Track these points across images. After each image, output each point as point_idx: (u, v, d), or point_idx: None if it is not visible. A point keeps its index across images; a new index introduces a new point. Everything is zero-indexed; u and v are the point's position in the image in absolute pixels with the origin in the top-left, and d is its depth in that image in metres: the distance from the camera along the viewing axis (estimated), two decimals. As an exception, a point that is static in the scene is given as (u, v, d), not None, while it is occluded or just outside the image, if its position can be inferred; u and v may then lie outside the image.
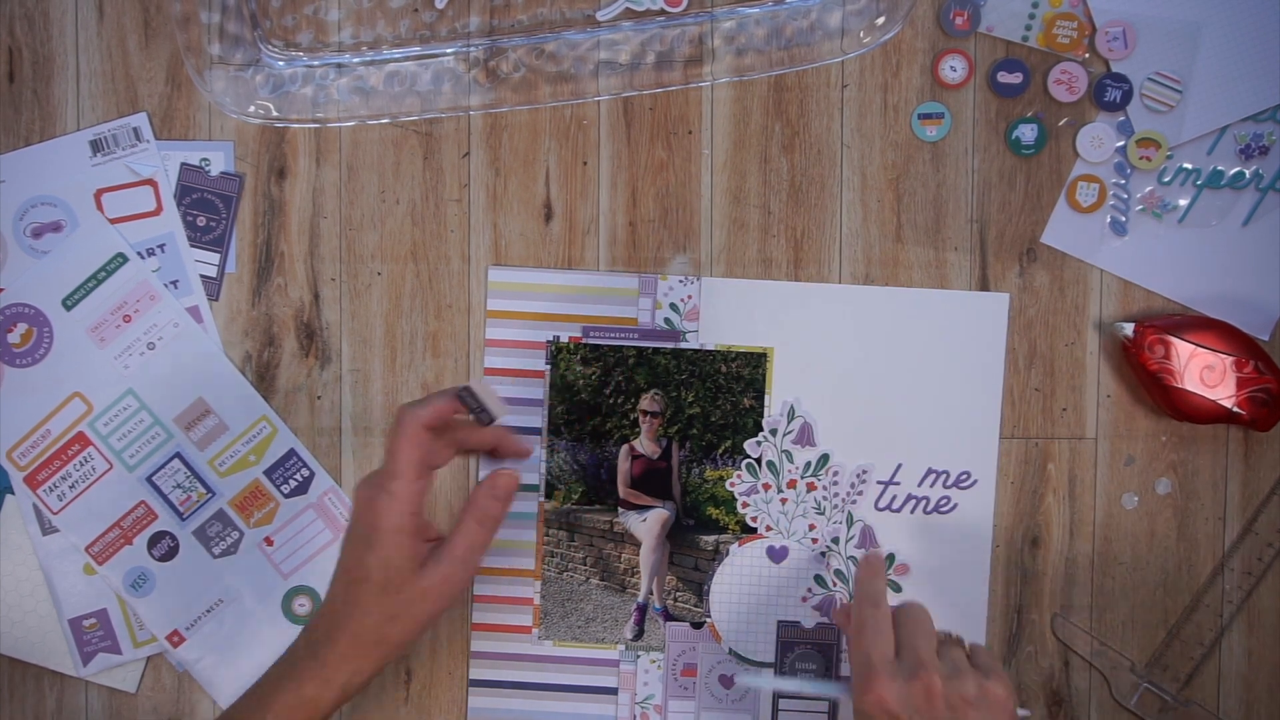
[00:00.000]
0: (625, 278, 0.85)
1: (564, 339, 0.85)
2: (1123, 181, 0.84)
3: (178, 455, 0.85)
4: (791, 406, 0.84)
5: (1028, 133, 0.84)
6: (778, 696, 0.85)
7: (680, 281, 0.84)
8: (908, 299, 0.84)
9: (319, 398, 0.85)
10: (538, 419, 0.85)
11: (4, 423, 0.84)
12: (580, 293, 0.85)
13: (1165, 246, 0.84)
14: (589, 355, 0.85)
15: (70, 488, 0.84)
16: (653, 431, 0.85)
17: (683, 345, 0.85)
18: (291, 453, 0.85)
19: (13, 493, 0.85)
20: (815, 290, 0.84)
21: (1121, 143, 0.84)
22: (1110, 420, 0.85)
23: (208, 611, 0.85)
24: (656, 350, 0.85)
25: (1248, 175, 0.84)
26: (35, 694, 0.86)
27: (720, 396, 0.84)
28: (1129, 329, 0.82)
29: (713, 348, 0.85)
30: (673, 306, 0.84)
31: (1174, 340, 0.81)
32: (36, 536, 0.85)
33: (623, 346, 0.85)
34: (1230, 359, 0.81)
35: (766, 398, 0.84)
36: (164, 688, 0.86)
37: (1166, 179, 0.84)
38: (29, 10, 0.84)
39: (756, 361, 0.84)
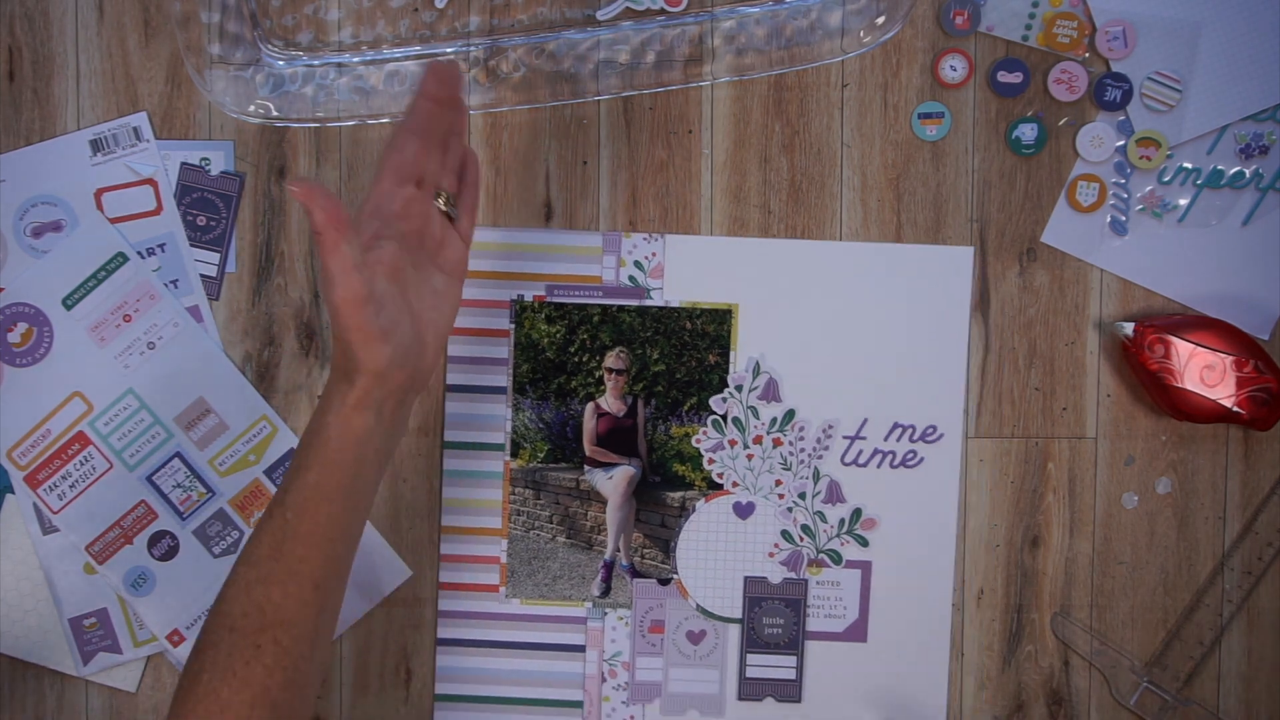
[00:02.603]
0: (589, 236, 0.84)
1: (528, 298, 0.84)
2: (1123, 181, 0.84)
3: (178, 455, 0.85)
4: (757, 362, 0.84)
5: (1028, 132, 0.84)
6: (746, 652, 0.85)
7: (644, 239, 0.84)
8: (871, 253, 0.84)
9: (319, 397, 0.85)
10: (502, 378, 0.85)
11: (4, 422, 0.84)
12: (544, 251, 0.84)
13: (1165, 246, 0.84)
14: (553, 314, 0.84)
15: (70, 487, 0.84)
16: (618, 389, 0.85)
17: (647, 302, 0.84)
18: (292, 452, 0.85)
19: (13, 492, 0.85)
20: (779, 246, 0.84)
21: (1121, 142, 0.84)
22: (1110, 420, 0.85)
23: (208, 611, 0.85)
24: (621, 308, 0.84)
25: (1248, 175, 0.84)
26: (35, 693, 0.86)
27: (685, 353, 0.84)
28: (1129, 328, 0.82)
29: (677, 304, 0.84)
30: (637, 264, 0.84)
31: (1174, 340, 0.81)
32: (36, 536, 0.85)
33: (587, 304, 0.84)
34: (1230, 358, 0.81)
35: (731, 354, 0.84)
36: (164, 687, 0.86)
37: (1166, 178, 0.84)
38: (29, 10, 0.84)
39: (721, 318, 0.84)
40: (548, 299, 0.84)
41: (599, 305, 0.84)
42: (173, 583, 0.85)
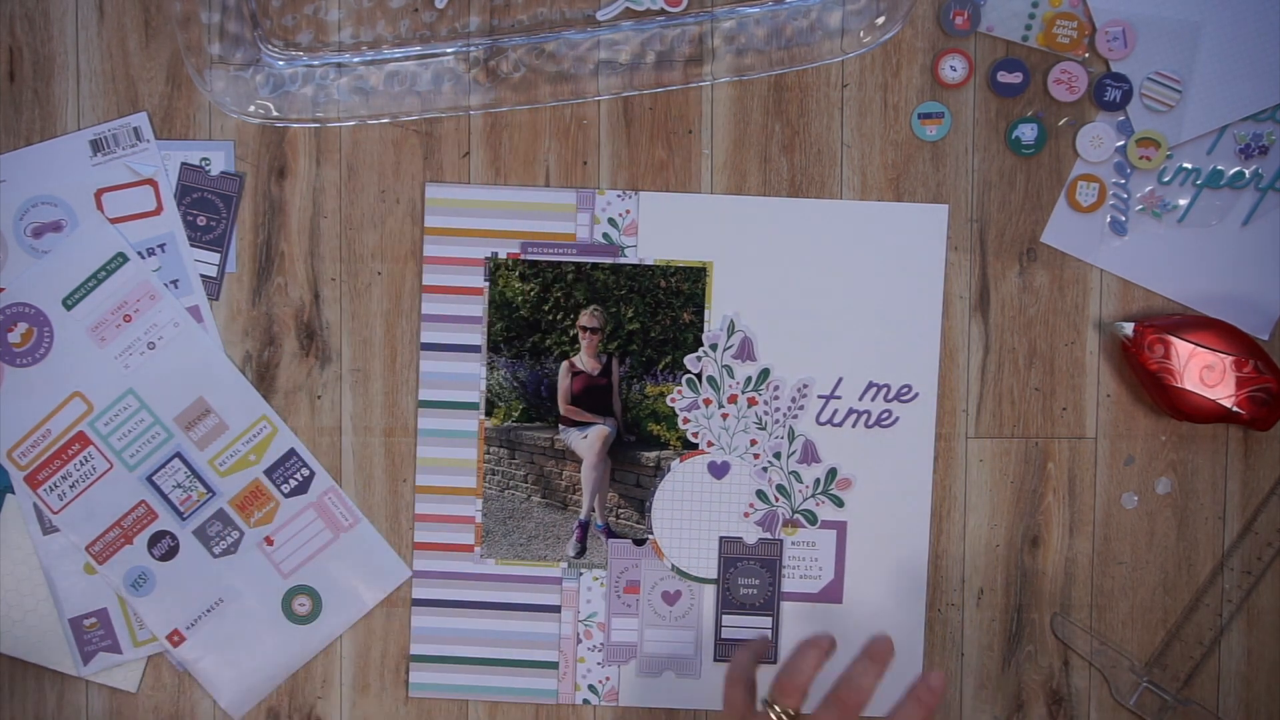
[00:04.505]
0: (563, 193, 0.84)
1: (502, 255, 0.84)
2: (1123, 181, 0.84)
3: (178, 455, 0.85)
4: (731, 321, 0.84)
5: (1028, 132, 0.84)
6: (721, 613, 0.85)
7: (618, 196, 0.84)
8: (846, 211, 0.84)
9: (319, 397, 0.85)
10: (477, 336, 0.85)
11: (4, 422, 0.84)
12: (518, 208, 0.84)
13: (1165, 246, 0.84)
14: (527, 271, 0.84)
15: (70, 487, 0.84)
16: (593, 348, 0.85)
17: (621, 260, 0.84)
18: (292, 452, 0.85)
19: (13, 492, 0.85)
20: (753, 203, 0.84)
21: (1121, 142, 0.84)
22: (1110, 420, 0.85)
23: (208, 611, 0.85)
24: (595, 266, 0.84)
25: (1247, 175, 0.84)
26: (35, 693, 0.86)
27: (660, 311, 0.84)
28: (1129, 329, 0.82)
29: (651, 262, 0.84)
30: (611, 221, 0.84)
31: (1174, 340, 0.81)
32: (37, 536, 0.85)
33: (561, 262, 0.84)
34: (1230, 358, 0.81)
35: (706, 312, 0.84)
36: (164, 687, 0.86)
37: (1166, 179, 0.84)
38: (29, 10, 0.84)
39: (696, 276, 0.84)
40: (522, 256, 0.84)
41: (573, 263, 0.84)
42: (173, 583, 0.85)
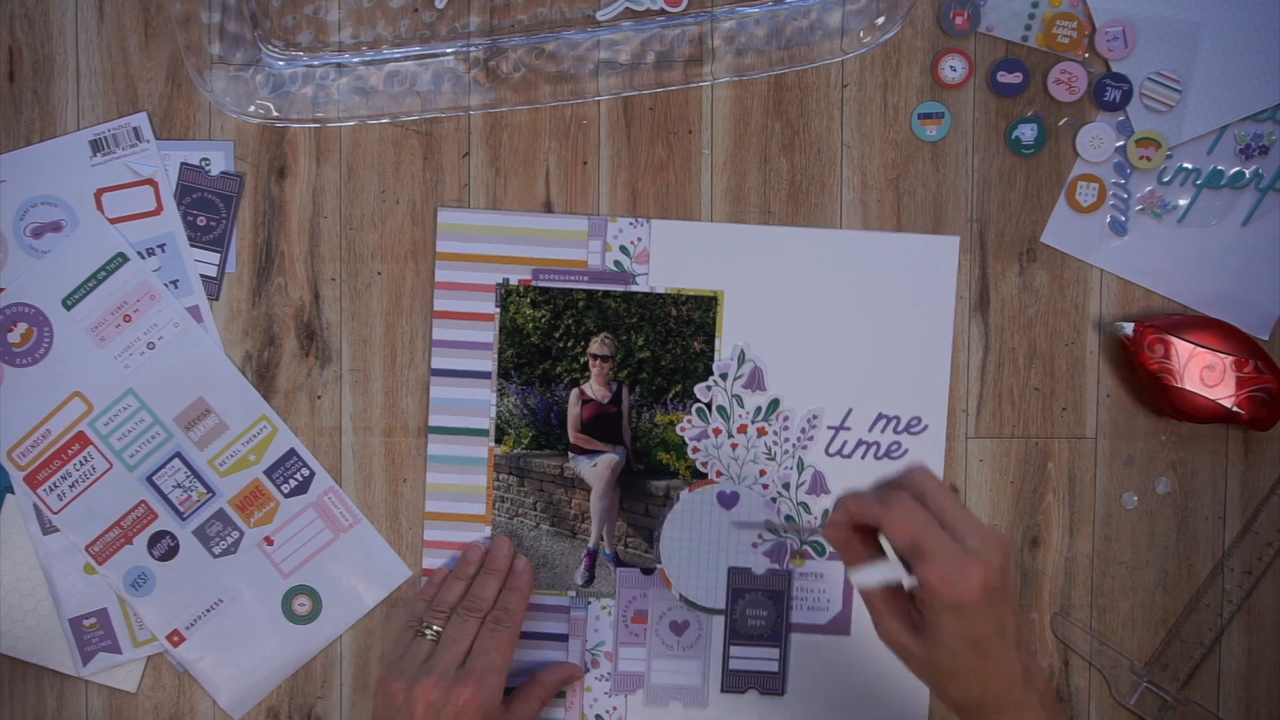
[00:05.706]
0: (575, 220, 0.84)
1: (513, 281, 0.84)
2: (1122, 181, 0.84)
3: (178, 455, 0.85)
4: (742, 350, 0.84)
5: (1028, 132, 0.84)
6: (729, 644, 0.85)
7: (630, 223, 0.84)
8: (858, 242, 0.84)
9: (319, 397, 0.85)
10: (487, 363, 0.85)
11: (4, 422, 0.84)
12: (530, 235, 0.84)
13: (1165, 246, 0.84)
14: (538, 298, 0.84)
15: (70, 487, 0.84)
16: (603, 375, 0.85)
17: (633, 288, 0.84)
18: (291, 452, 0.85)
19: (13, 492, 0.85)
20: (765, 233, 0.84)
21: (1121, 142, 0.84)
22: (1110, 420, 0.85)
23: (208, 611, 0.85)
24: (606, 293, 0.84)
25: (1247, 175, 0.84)
26: (35, 694, 0.86)
27: (670, 340, 0.84)
28: (1129, 329, 0.82)
29: (663, 291, 0.84)
30: (623, 249, 0.84)
31: (1174, 340, 0.81)
32: (37, 536, 0.85)
33: (573, 289, 0.84)
34: (1230, 358, 0.81)
35: (717, 341, 0.84)
36: (164, 687, 0.86)
37: (1166, 179, 0.84)
38: (29, 10, 0.84)
39: (707, 305, 0.84)
40: (533, 283, 0.84)
41: (584, 290, 0.84)
42: (173, 583, 0.85)
